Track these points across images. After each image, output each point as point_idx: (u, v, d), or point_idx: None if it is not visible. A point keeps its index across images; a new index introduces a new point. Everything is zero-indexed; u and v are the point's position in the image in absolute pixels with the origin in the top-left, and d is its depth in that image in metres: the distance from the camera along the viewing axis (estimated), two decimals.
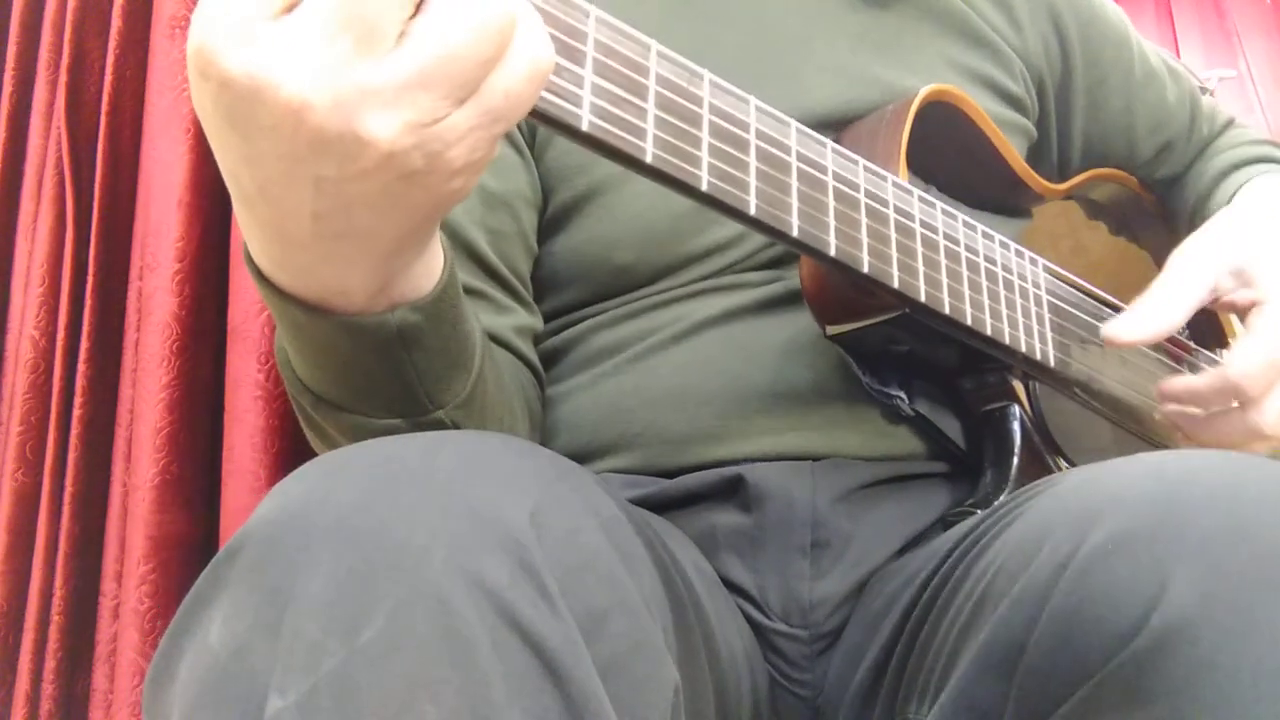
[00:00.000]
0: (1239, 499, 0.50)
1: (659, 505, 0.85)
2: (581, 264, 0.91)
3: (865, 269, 0.69)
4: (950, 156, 0.91)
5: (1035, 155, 1.11)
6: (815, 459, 0.83)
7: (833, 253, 0.66)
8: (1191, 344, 1.01)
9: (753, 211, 0.61)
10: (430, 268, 0.61)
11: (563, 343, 0.93)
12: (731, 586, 0.83)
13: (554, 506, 0.52)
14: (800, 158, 0.66)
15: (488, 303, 0.88)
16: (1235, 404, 0.83)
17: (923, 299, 0.73)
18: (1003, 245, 0.82)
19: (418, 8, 0.44)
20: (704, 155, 0.58)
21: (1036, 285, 0.84)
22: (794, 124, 0.67)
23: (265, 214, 0.51)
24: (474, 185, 0.52)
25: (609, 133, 0.52)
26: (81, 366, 1.65)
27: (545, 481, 0.53)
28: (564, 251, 0.92)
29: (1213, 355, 1.04)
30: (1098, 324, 0.89)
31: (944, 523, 0.83)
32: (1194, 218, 1.10)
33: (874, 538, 0.83)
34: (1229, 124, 1.20)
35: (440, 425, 0.69)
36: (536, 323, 0.92)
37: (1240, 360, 0.80)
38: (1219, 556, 0.48)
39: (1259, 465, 0.54)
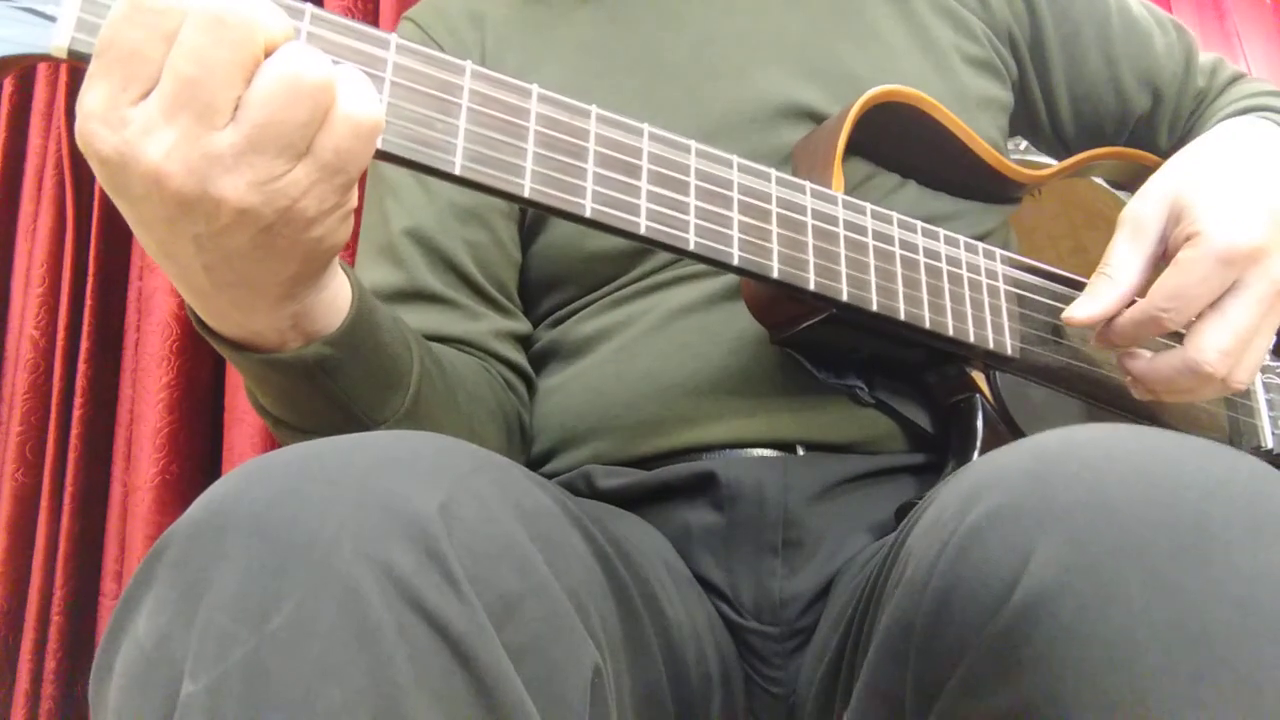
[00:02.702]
0: (1106, 471, 0.53)
1: (636, 498, 0.93)
2: (558, 258, 1.01)
3: (775, 275, 0.77)
4: (922, 151, 0.98)
5: (1028, 125, 1.17)
6: (786, 445, 0.91)
7: (736, 263, 0.75)
8: None
9: (643, 231, 0.70)
10: (335, 305, 0.71)
11: (554, 338, 1.02)
12: (706, 585, 0.89)
13: (467, 498, 0.57)
14: (700, 175, 0.74)
15: (461, 311, 0.98)
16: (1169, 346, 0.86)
17: (845, 298, 0.80)
18: (949, 241, 0.87)
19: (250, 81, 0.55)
20: (588, 184, 0.68)
21: (993, 277, 0.89)
22: (694, 145, 0.75)
23: (172, 269, 0.63)
24: (344, 233, 0.63)
25: (482, 174, 0.63)
26: (81, 366, 1.76)
27: (460, 475, 0.58)
28: (542, 250, 1.02)
29: None
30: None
31: (897, 515, 0.89)
32: None
33: (846, 535, 0.88)
34: (1235, 78, 1.21)
35: None
36: (518, 326, 1.02)
37: (1156, 291, 0.83)
38: (1080, 529, 0.51)
39: (1138, 438, 0.57)
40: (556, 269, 1.02)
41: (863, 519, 0.90)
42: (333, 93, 0.56)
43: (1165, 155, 1.15)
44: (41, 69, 1.85)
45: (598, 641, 0.62)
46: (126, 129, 0.55)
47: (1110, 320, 0.87)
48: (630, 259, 0.98)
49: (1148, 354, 0.88)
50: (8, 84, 1.85)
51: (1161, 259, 0.86)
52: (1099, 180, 1.15)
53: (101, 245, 1.79)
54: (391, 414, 0.79)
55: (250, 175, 0.56)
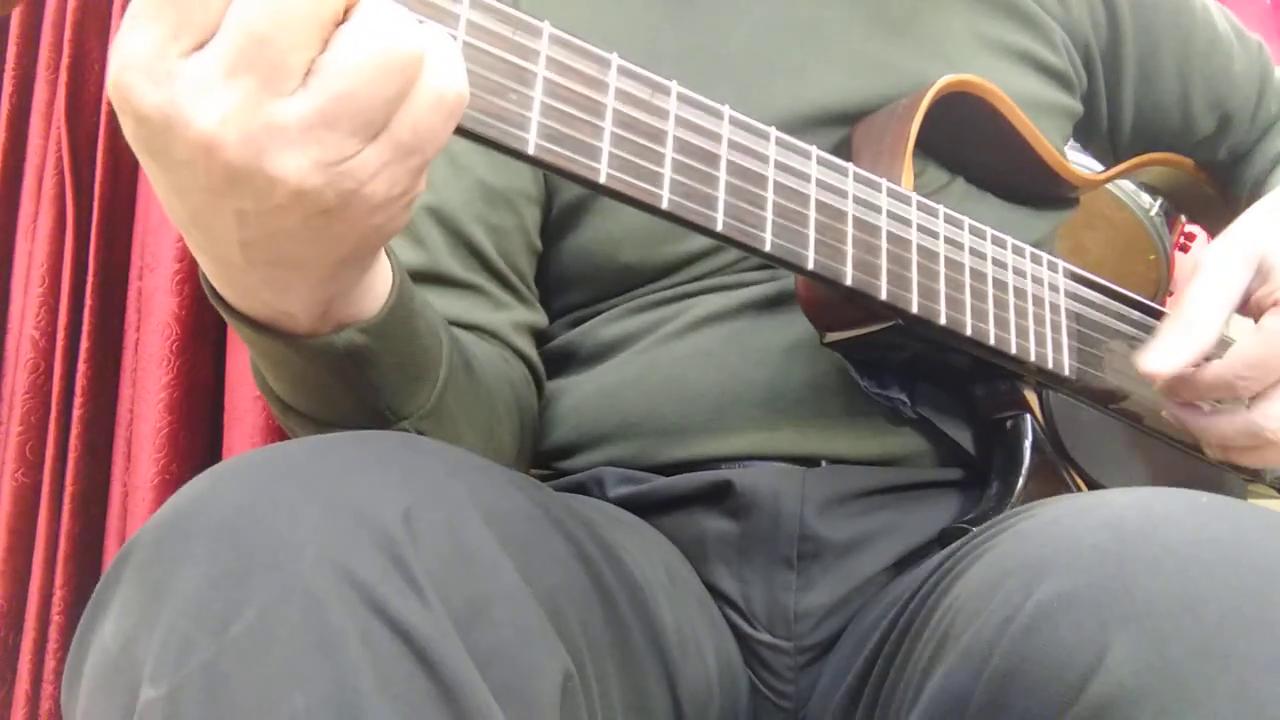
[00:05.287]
0: (1193, 560, 0.48)
1: (650, 506, 0.84)
2: (588, 263, 0.90)
3: (849, 282, 0.66)
4: (978, 147, 0.87)
5: (1084, 129, 1.06)
6: (810, 460, 0.81)
7: (811, 266, 0.64)
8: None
9: (719, 228, 0.59)
10: (375, 290, 0.61)
11: (572, 338, 0.92)
12: (718, 595, 0.82)
13: (435, 503, 0.53)
14: (779, 168, 0.63)
15: (485, 298, 0.87)
16: (1240, 401, 0.78)
17: (915, 310, 0.70)
18: (1016, 251, 0.78)
19: (327, 43, 0.44)
20: (666, 172, 0.56)
21: (1055, 290, 0.80)
22: (774, 133, 0.64)
23: (200, 240, 0.51)
24: (405, 219, 0.53)
25: (558, 155, 0.51)
26: (81, 366, 1.64)
27: (431, 479, 0.54)
28: (571, 250, 0.91)
29: None
30: (1125, 328, 0.85)
31: (941, 539, 0.80)
32: (1250, 202, 0.99)
33: (866, 550, 0.81)
34: None
35: None
36: (537, 318, 0.91)
37: (1238, 357, 0.76)
38: (1162, 625, 0.46)
39: (1224, 518, 0.51)
40: (583, 270, 0.90)
41: (885, 535, 0.81)
42: (422, 64, 0.45)
43: (1220, 168, 1.08)
44: (41, 69, 1.71)
45: (576, 646, 0.59)
46: (175, 85, 0.43)
47: (1182, 376, 0.78)
48: (665, 272, 0.87)
49: (1206, 408, 0.80)
50: (8, 84, 1.71)
51: (1240, 311, 0.79)
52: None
53: (101, 245, 1.67)
54: (416, 409, 0.69)
55: (317, 153, 0.45)
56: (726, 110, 0.61)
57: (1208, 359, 0.77)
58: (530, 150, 0.50)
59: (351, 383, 0.63)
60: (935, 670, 0.57)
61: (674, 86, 0.58)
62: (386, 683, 0.46)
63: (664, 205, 0.56)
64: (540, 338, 0.94)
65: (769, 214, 0.62)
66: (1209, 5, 1.06)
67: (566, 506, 0.68)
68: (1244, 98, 1.06)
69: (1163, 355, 0.76)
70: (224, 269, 0.54)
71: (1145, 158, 1.02)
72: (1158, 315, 0.89)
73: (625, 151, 0.54)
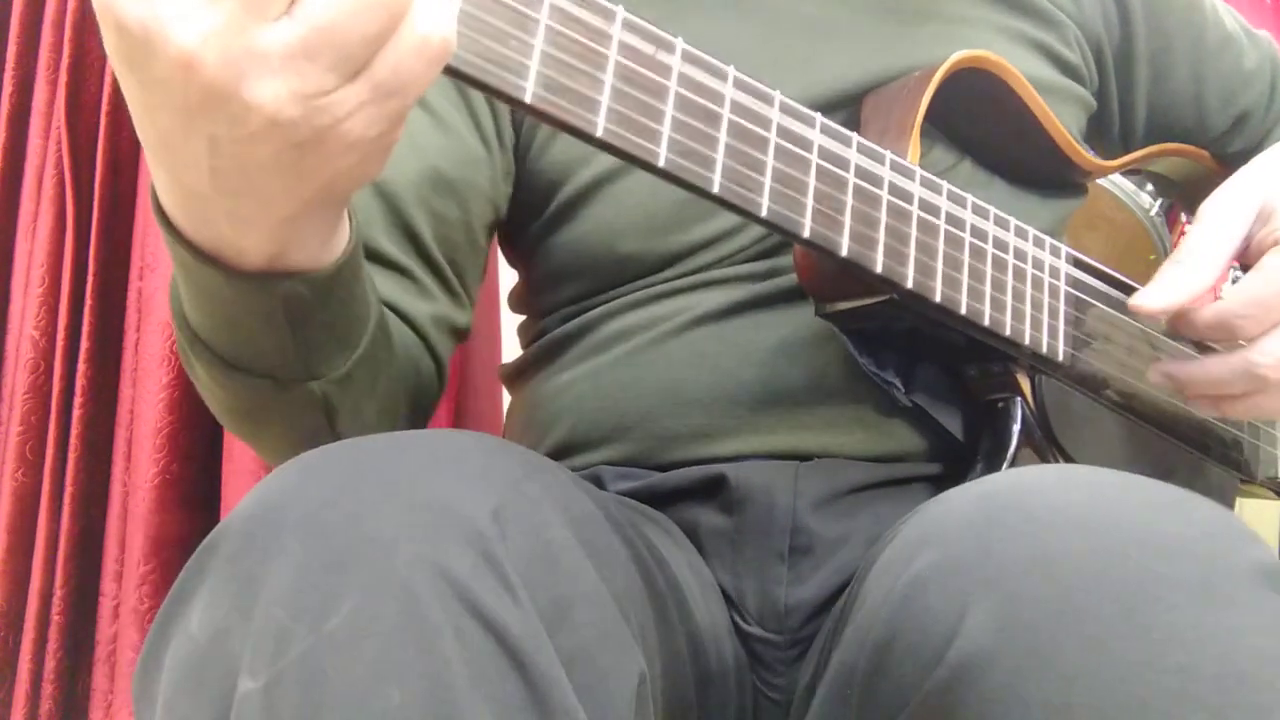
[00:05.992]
0: (1049, 525, 0.50)
1: (648, 501, 0.84)
2: (587, 254, 0.90)
3: (844, 253, 0.65)
4: (988, 128, 0.87)
5: (1096, 127, 1.04)
6: (803, 456, 0.82)
7: (806, 235, 0.63)
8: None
9: (715, 190, 0.58)
10: (331, 245, 0.61)
11: (572, 330, 0.92)
12: None
13: (519, 503, 0.53)
14: (782, 133, 0.63)
15: (412, 283, 0.86)
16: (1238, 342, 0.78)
17: (910, 285, 0.69)
18: (1019, 233, 0.77)
19: None
20: (665, 130, 0.55)
21: (1055, 275, 0.79)
22: (778, 98, 0.63)
23: (169, 162, 0.51)
24: (378, 167, 0.52)
25: (555, 105, 0.50)
26: (81, 366, 1.64)
27: (512, 479, 0.55)
28: (569, 243, 0.90)
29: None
30: (1125, 318, 0.84)
31: None
32: None
33: (855, 545, 0.80)
34: None
35: (311, 396, 0.68)
36: (460, 316, 0.90)
37: (1237, 294, 0.75)
38: (1017, 587, 0.48)
39: (1089, 486, 0.52)
40: (581, 262, 0.90)
41: (874, 528, 0.80)
42: (410, 5, 0.45)
43: (1234, 160, 1.05)
44: (41, 69, 1.71)
45: (640, 648, 0.59)
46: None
47: (1182, 314, 0.78)
48: (663, 264, 0.87)
49: (1198, 357, 0.80)
50: (8, 84, 1.71)
51: (1239, 259, 0.78)
52: (1102, 182, 1.04)
53: (101, 245, 1.67)
54: (330, 371, 0.68)
55: (296, 84, 0.45)
56: (731, 71, 0.61)
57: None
58: (527, 99, 0.49)
59: (278, 330, 0.63)
60: (839, 649, 0.60)
61: (679, 43, 0.58)
62: (480, 681, 0.47)
63: (660, 163, 0.56)
64: (537, 333, 0.94)
65: (768, 179, 0.61)
66: (1217, 5, 1.05)
67: (617, 507, 0.69)
68: (1258, 94, 1.06)
69: (1158, 292, 0.76)
70: (187, 194, 0.53)
71: (1161, 147, 1.00)
72: None
73: (624, 106, 0.54)
